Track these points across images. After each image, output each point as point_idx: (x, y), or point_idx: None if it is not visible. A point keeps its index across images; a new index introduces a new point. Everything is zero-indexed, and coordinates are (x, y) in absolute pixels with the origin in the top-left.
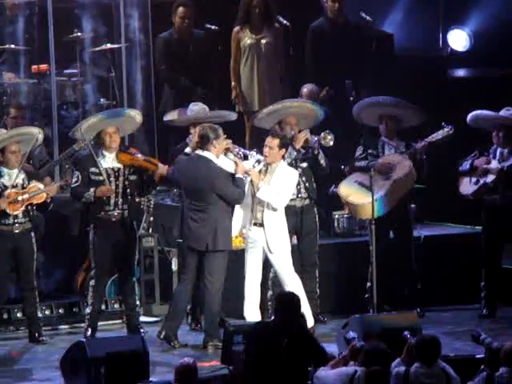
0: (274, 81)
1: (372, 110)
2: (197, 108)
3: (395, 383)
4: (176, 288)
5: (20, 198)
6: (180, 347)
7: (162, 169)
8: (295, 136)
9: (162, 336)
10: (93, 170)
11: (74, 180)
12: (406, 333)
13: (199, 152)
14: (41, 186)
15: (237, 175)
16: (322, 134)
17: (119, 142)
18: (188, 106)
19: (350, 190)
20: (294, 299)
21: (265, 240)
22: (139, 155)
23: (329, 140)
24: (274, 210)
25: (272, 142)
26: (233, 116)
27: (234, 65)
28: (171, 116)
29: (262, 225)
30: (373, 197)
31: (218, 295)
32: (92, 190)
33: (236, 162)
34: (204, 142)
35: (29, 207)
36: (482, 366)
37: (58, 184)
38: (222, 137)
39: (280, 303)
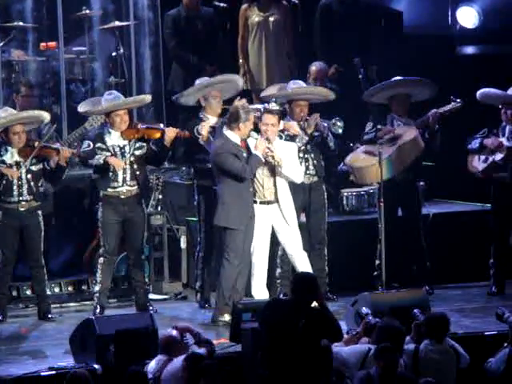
0: (281, 58)
1: (382, 93)
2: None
3: (405, 360)
4: None
5: (32, 143)
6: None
7: (170, 132)
8: (306, 120)
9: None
10: (99, 145)
11: (84, 145)
12: (415, 311)
13: (224, 130)
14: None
15: (254, 152)
16: (333, 121)
17: (128, 121)
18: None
19: (356, 158)
20: (311, 278)
21: (277, 216)
22: (140, 125)
23: (338, 127)
24: (283, 186)
25: (273, 119)
26: (239, 81)
27: (242, 42)
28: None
29: (269, 202)
30: (380, 162)
31: (234, 272)
32: (103, 154)
33: (258, 140)
34: (232, 120)
35: (32, 183)
36: (506, 344)
37: (73, 150)
38: (251, 120)
39: (298, 283)
